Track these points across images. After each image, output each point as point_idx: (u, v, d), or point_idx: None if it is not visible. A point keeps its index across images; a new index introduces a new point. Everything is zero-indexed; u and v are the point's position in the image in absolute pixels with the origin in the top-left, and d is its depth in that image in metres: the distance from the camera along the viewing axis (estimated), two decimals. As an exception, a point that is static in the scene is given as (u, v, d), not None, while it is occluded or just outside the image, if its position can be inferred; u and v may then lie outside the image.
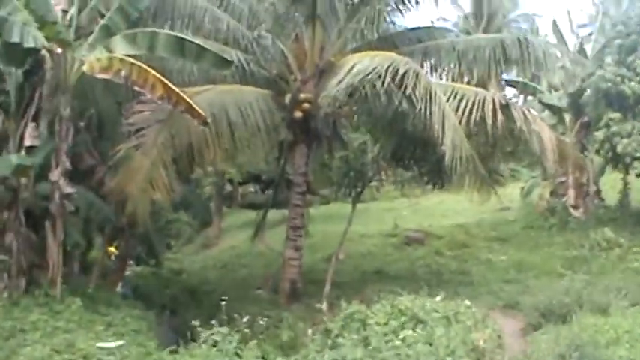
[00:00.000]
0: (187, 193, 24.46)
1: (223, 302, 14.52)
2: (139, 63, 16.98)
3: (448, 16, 57.82)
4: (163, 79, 16.95)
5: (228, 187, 51.21)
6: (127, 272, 29.94)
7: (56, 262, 18.07)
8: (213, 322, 13.39)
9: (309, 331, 17.16)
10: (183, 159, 20.74)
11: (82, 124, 22.53)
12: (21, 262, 18.45)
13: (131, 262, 30.27)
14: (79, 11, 19.08)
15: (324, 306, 19.78)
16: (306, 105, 21.66)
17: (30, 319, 16.31)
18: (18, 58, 18.41)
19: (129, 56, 17.23)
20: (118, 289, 26.10)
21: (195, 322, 13.36)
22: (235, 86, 21.62)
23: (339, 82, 19.72)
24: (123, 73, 16.94)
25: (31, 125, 18.53)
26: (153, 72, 16.90)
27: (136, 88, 17.23)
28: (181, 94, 17.02)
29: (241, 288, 25.42)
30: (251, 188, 52.37)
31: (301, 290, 22.42)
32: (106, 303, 19.38)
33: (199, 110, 17.11)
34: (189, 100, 17.07)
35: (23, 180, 18.54)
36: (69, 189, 18.14)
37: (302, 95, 21.74)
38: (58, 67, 18.12)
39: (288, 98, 21.95)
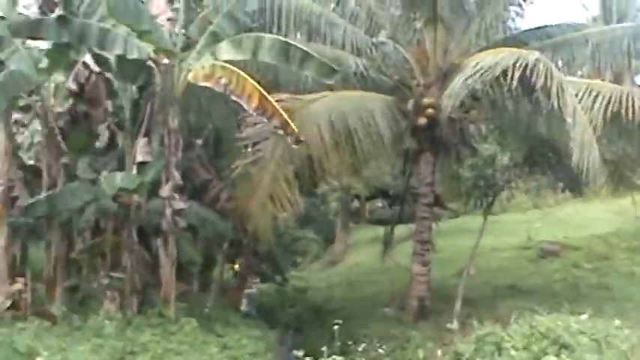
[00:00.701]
0: (309, 207, 23.13)
1: (336, 326, 12.97)
2: (238, 70, 15.72)
3: (576, 19, 54.84)
4: (260, 89, 15.56)
5: (356, 203, 49.96)
6: (253, 290, 29.19)
7: (169, 280, 17.14)
8: (323, 349, 11.81)
9: (439, 352, 15.54)
10: (304, 172, 19.35)
11: (199, 141, 21.74)
12: (135, 280, 17.69)
13: (257, 280, 29.47)
14: (190, 21, 18.21)
15: (455, 325, 17.99)
16: (430, 110, 19.86)
17: (141, 340, 15.46)
18: (131, 73, 17.87)
19: (230, 62, 15.99)
20: (243, 307, 25.32)
21: (299, 354, 11.65)
22: (355, 92, 20.13)
23: (462, 80, 17.91)
24: (223, 81, 15.65)
25: (143, 140, 17.62)
26: (251, 81, 15.59)
27: (234, 97, 15.81)
28: (277, 107, 15.57)
29: (367, 306, 23.81)
30: (379, 203, 50.67)
31: (430, 308, 20.57)
32: (224, 323, 18.40)
33: (294, 127, 15.60)
34: (285, 115, 15.58)
35: (136, 196, 17.64)
36: (180, 204, 17.08)
37: (425, 100, 19.97)
38: (166, 78, 17.14)
39: (410, 104, 20.20)
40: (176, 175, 17.08)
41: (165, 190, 17.05)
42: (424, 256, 20.96)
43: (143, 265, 18.03)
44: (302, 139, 16.07)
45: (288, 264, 28.07)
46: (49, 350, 14.31)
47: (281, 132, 15.82)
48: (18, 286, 17.21)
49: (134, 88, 18.78)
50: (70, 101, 18.76)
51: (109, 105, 19.86)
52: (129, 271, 17.58)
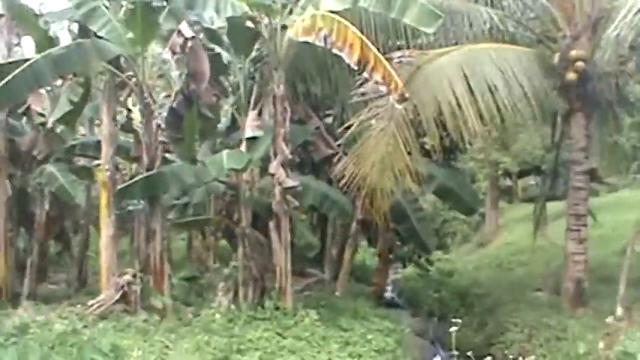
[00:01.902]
0: (445, 177, 19.92)
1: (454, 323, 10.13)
2: (339, 19, 12.92)
3: None
4: (363, 38, 12.71)
5: (508, 182, 46.23)
6: (397, 275, 26.77)
7: (284, 267, 14.57)
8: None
9: (601, 345, 12.32)
10: (433, 136, 16.09)
11: (328, 119, 19.29)
12: (251, 269, 15.28)
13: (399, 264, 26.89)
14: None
15: (619, 312, 14.57)
16: (580, 64, 16.40)
17: (249, 336, 13.00)
18: (242, 45, 15.64)
19: (333, 12, 13.23)
20: (387, 294, 22.84)
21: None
22: (490, 44, 16.76)
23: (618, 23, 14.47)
24: (323, 32, 12.88)
25: (252, 113, 15.24)
26: (353, 29, 12.78)
27: (335, 51, 12.90)
28: (381, 58, 12.59)
29: (517, 290, 20.70)
30: (532, 181, 46.67)
31: (588, 291, 17.04)
32: (351, 314, 15.73)
33: (398, 81, 12.48)
34: (389, 68, 12.55)
35: (244, 175, 15.29)
36: (290, 182, 14.43)
37: (574, 53, 16.50)
38: (269, 40, 14.64)
39: (556, 58, 16.79)
40: (285, 149, 14.51)
41: (273, 167, 14.52)
42: (580, 231, 17.40)
43: (259, 252, 15.62)
44: (407, 96, 12.91)
45: (432, 244, 24.73)
46: (152, 347, 12.42)
47: (383, 88, 12.75)
48: (127, 277, 15.23)
49: (247, 61, 16.62)
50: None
51: (224, 83, 17.92)
52: (241, 258, 15.28)
